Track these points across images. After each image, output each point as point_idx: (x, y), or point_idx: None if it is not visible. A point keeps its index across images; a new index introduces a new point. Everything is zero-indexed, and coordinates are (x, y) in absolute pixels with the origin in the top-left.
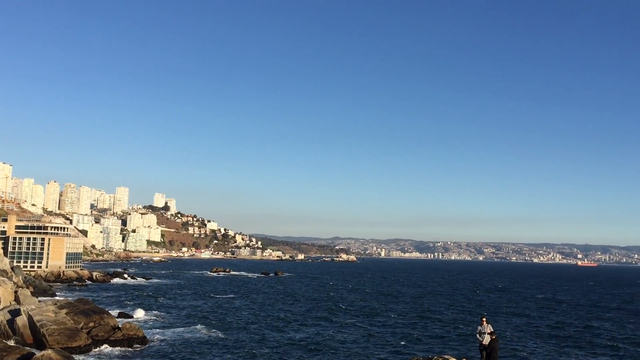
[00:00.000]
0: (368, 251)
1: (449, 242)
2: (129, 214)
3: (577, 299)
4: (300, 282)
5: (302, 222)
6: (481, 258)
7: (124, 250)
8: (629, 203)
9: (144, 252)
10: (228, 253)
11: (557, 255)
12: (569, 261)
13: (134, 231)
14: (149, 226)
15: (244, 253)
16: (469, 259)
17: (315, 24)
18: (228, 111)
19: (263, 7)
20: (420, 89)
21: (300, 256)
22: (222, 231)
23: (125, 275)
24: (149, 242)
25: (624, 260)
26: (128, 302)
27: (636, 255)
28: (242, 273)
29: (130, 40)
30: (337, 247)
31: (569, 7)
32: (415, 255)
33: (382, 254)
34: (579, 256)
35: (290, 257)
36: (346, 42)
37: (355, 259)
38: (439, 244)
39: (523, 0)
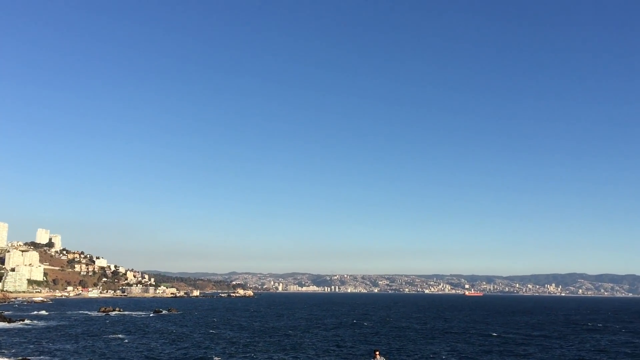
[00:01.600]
0: (265, 286)
1: (345, 275)
2: (8, 251)
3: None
4: (192, 320)
5: (198, 257)
6: (376, 290)
7: (1, 290)
8: (511, 236)
9: (24, 292)
10: (118, 291)
11: (447, 286)
12: (457, 291)
13: (13, 270)
14: (30, 264)
15: (136, 291)
16: (365, 291)
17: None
18: (119, 142)
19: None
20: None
21: (196, 292)
22: (112, 268)
23: None
24: (30, 282)
25: (507, 289)
26: None
27: (517, 284)
28: (133, 312)
29: None
30: (234, 283)
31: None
32: (313, 288)
33: (280, 288)
34: (466, 286)
35: (185, 293)
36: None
37: (252, 294)
38: (335, 277)
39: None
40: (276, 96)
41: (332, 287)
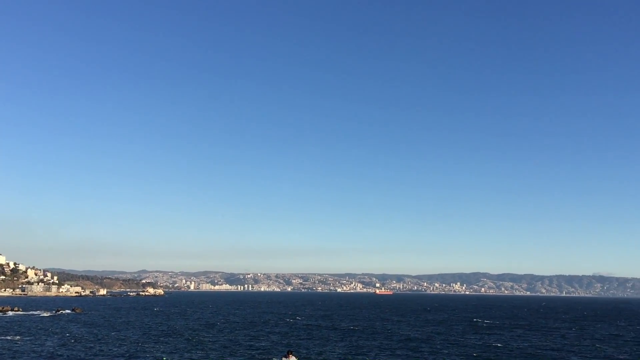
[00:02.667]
0: (177, 284)
1: (258, 274)
2: None
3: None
4: (95, 320)
5: (106, 254)
6: (289, 289)
7: None
8: (420, 237)
9: None
10: (17, 290)
11: (359, 285)
12: (368, 290)
13: None
14: None
15: (37, 289)
16: (278, 290)
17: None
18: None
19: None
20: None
21: (103, 291)
22: (11, 265)
23: None
24: None
25: (415, 288)
26: None
27: (425, 283)
28: (32, 312)
29: None
30: (143, 281)
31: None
32: (226, 287)
33: (192, 287)
34: (377, 285)
35: (91, 292)
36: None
37: (163, 292)
38: (249, 276)
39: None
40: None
41: (246, 285)
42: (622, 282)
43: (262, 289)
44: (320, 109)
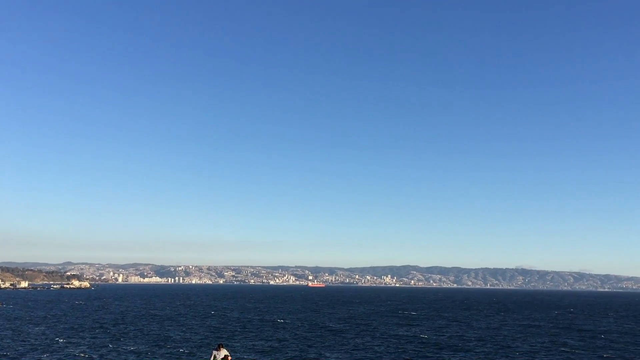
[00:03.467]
0: (104, 277)
1: (190, 266)
2: None
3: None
4: (10, 314)
5: (28, 245)
6: (222, 281)
7: None
8: (352, 230)
9: None
10: None
11: (291, 277)
12: (301, 282)
13: None
14: None
15: None
16: (210, 282)
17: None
18: None
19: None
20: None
21: (24, 284)
22: None
23: None
24: None
25: (347, 280)
26: None
27: (357, 275)
28: None
29: None
30: (68, 273)
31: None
32: (156, 280)
33: (120, 279)
34: (310, 277)
35: (11, 285)
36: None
37: (89, 285)
38: (180, 268)
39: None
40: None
41: (177, 278)
42: (543, 275)
43: (194, 282)
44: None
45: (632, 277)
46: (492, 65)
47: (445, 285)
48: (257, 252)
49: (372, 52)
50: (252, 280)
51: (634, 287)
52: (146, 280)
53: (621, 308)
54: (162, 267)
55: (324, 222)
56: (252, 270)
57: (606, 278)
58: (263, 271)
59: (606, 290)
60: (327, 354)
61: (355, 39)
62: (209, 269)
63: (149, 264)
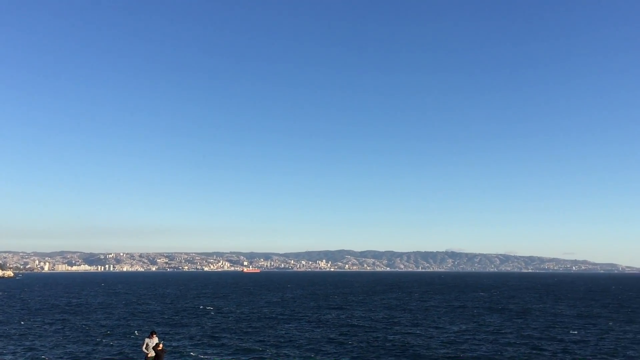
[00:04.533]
0: (29, 265)
1: (121, 254)
2: None
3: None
4: None
5: None
6: (154, 268)
7: None
8: (287, 215)
9: None
10: None
11: (226, 263)
12: (236, 268)
13: None
14: None
15: None
16: (142, 269)
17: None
18: None
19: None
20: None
21: None
22: None
23: None
24: None
25: (283, 265)
26: None
27: (292, 260)
28: None
29: None
30: None
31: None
32: (84, 268)
33: (46, 268)
34: (245, 263)
35: None
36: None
37: (12, 274)
38: (110, 256)
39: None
40: None
41: (107, 266)
42: (471, 257)
43: (125, 269)
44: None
45: (553, 258)
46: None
47: (378, 269)
48: (191, 239)
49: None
50: (186, 267)
51: (555, 268)
52: (74, 268)
53: (542, 288)
54: (92, 254)
55: (259, 208)
56: (185, 256)
57: (530, 260)
58: (197, 257)
59: (530, 271)
60: (253, 341)
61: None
62: (140, 256)
63: (77, 252)
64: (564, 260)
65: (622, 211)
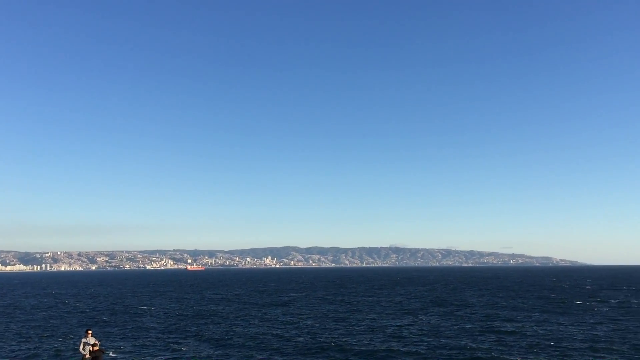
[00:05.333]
0: None
1: (58, 252)
2: None
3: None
4: None
5: None
6: (94, 267)
7: None
8: (232, 212)
9: None
10: None
11: (170, 261)
12: (180, 266)
13: None
14: None
15: None
16: (81, 269)
17: None
18: None
19: None
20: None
21: None
22: None
23: None
24: None
25: (228, 263)
26: None
27: (237, 258)
28: None
29: None
30: None
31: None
32: (19, 267)
33: None
34: (189, 261)
35: None
36: None
37: None
38: (47, 255)
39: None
40: None
41: (44, 265)
42: (414, 252)
43: (63, 269)
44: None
45: (492, 252)
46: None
47: (324, 265)
48: (132, 236)
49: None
50: (128, 266)
51: (493, 262)
52: (8, 268)
53: (481, 283)
54: (27, 253)
55: (203, 204)
56: (127, 255)
57: (470, 254)
58: (139, 256)
59: (470, 265)
60: (193, 342)
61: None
62: (79, 254)
63: (12, 251)
64: (502, 254)
65: (556, 207)
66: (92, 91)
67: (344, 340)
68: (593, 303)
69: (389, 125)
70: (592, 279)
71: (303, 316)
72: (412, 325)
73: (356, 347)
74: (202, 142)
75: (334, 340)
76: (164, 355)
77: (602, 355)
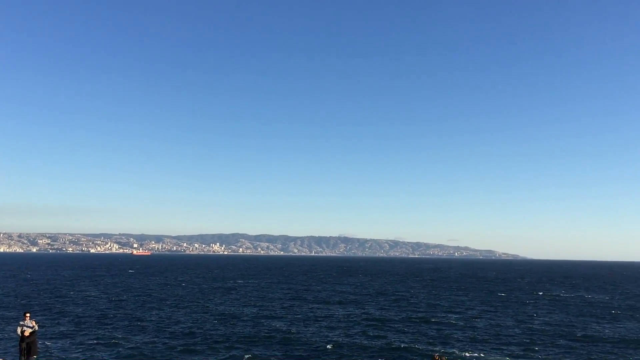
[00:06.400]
0: None
1: None
2: None
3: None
4: None
5: None
6: (35, 250)
7: None
8: (180, 197)
9: None
10: None
11: (115, 245)
12: (125, 250)
13: None
14: None
15: None
16: (21, 250)
17: None
18: None
19: None
20: None
21: None
22: None
23: None
24: None
25: (175, 248)
26: None
27: (185, 243)
28: None
29: None
30: None
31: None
32: None
33: None
34: (135, 245)
35: None
36: None
37: None
38: None
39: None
40: None
41: None
42: (362, 242)
43: (2, 250)
44: None
45: (438, 244)
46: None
47: (272, 253)
48: (76, 219)
49: None
50: (71, 249)
51: (439, 254)
52: None
53: (426, 274)
54: None
55: (151, 189)
56: (70, 237)
57: (417, 245)
58: (83, 239)
59: (416, 256)
60: (130, 328)
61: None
62: (19, 236)
63: None
64: (448, 247)
65: (499, 203)
66: (34, 67)
67: (285, 329)
68: (531, 296)
69: (340, 114)
70: (532, 272)
71: (247, 304)
72: (354, 315)
73: (297, 336)
74: (151, 124)
75: (275, 328)
76: (98, 342)
77: (539, 345)
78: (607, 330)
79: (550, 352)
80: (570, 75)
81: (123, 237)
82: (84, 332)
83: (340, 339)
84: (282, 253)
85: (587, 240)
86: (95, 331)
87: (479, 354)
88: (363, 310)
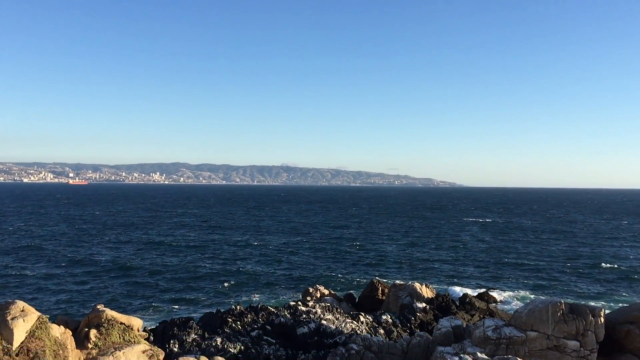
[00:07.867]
0: None
1: None
2: None
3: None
4: None
5: None
6: None
7: None
8: (118, 125)
9: None
10: None
11: (49, 175)
12: (61, 180)
13: None
14: None
15: None
16: None
17: None
18: None
19: None
20: None
21: None
22: None
23: None
24: None
25: (113, 178)
26: None
27: (124, 173)
28: None
29: None
30: None
31: None
32: None
33: None
34: (71, 175)
35: None
36: None
37: None
38: None
39: None
40: None
41: None
42: (305, 171)
43: None
44: None
45: (379, 173)
46: None
47: (214, 182)
48: (6, 147)
49: None
50: (2, 178)
51: (380, 182)
52: None
53: (365, 202)
54: None
55: (87, 116)
56: (1, 167)
57: (358, 174)
58: (15, 168)
59: (357, 185)
60: (62, 262)
61: None
62: None
63: None
64: (388, 175)
65: (438, 133)
66: None
67: (223, 257)
68: (466, 221)
69: (282, 39)
70: (468, 200)
71: (186, 234)
72: (297, 243)
73: (238, 263)
74: (86, 43)
75: (212, 257)
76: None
77: (475, 269)
78: (531, 249)
79: (477, 274)
80: None
81: (58, 166)
82: (11, 258)
83: (285, 271)
84: (224, 182)
85: (518, 169)
86: (23, 260)
87: (413, 277)
88: (306, 238)
